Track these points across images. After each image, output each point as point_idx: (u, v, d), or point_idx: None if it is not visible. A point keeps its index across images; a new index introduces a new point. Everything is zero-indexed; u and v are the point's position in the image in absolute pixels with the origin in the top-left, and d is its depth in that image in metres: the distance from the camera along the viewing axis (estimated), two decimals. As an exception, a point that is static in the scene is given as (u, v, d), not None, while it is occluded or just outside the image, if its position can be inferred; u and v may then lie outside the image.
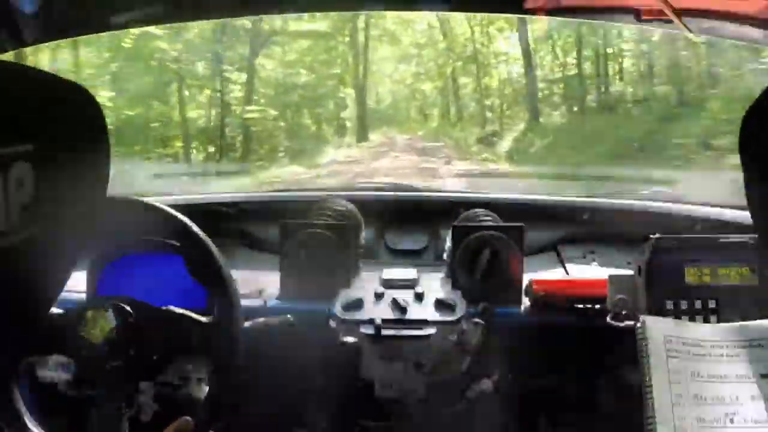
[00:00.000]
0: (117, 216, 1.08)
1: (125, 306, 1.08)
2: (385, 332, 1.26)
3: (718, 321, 1.15)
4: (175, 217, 1.12)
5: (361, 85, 12.02)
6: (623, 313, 1.22)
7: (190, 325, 1.09)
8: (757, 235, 1.12)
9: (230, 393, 1.10)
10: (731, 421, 0.87)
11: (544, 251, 1.66)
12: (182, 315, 1.09)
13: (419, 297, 1.34)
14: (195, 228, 1.12)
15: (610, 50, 9.29)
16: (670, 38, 7.30)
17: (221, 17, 1.69)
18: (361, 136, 11.64)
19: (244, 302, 1.16)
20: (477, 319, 1.29)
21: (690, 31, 1.25)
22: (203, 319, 1.10)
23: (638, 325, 0.98)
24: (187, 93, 8.71)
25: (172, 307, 1.10)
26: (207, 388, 1.22)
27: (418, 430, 1.36)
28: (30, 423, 1.05)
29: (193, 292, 1.25)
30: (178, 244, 1.14)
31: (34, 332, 0.84)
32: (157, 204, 1.14)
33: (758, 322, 0.95)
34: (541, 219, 1.65)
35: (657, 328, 0.97)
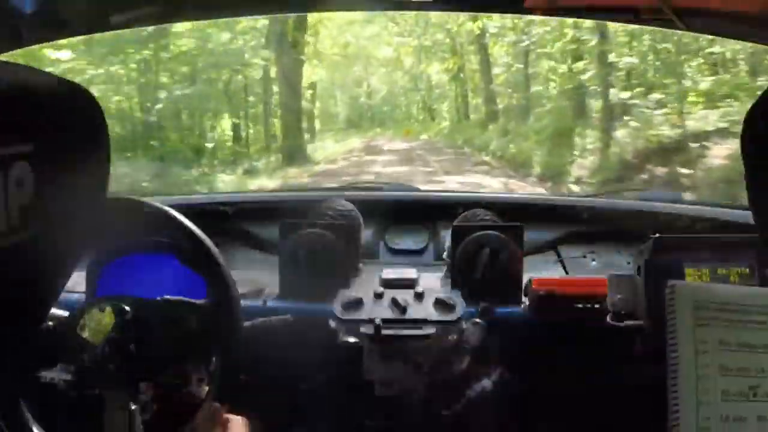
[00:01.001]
0: (117, 216, 1.08)
1: (123, 304, 1.08)
2: (384, 332, 1.26)
3: None
4: (175, 217, 1.12)
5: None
6: (623, 312, 1.22)
7: (187, 310, 1.10)
8: (757, 235, 1.12)
9: (235, 375, 1.11)
10: (754, 394, 0.85)
11: (543, 251, 1.66)
12: (179, 301, 1.10)
13: (419, 297, 1.34)
14: (195, 229, 1.12)
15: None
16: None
17: (221, 17, 1.69)
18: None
19: (244, 302, 1.16)
20: (476, 319, 1.29)
21: (688, 29, 1.25)
22: (200, 301, 1.10)
23: (667, 290, 0.96)
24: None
25: (168, 296, 1.11)
26: (207, 388, 1.22)
27: (418, 430, 1.36)
28: (31, 424, 1.05)
29: (193, 292, 1.25)
30: (177, 245, 1.14)
31: (33, 333, 0.84)
32: (157, 204, 1.14)
33: None
34: (541, 219, 1.65)
35: (686, 294, 0.94)
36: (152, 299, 1.10)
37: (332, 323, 1.30)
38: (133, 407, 1.06)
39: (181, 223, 1.12)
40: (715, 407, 0.84)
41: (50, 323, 1.10)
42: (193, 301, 1.10)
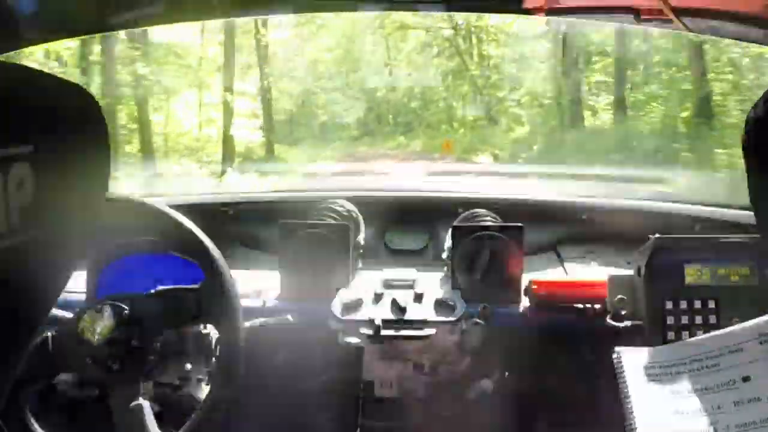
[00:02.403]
0: (117, 216, 1.08)
1: (124, 306, 1.08)
2: (384, 332, 1.26)
3: (718, 321, 1.16)
4: (176, 217, 1.12)
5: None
6: (623, 313, 1.22)
7: (182, 294, 1.10)
8: (757, 235, 1.12)
9: (238, 361, 1.10)
10: (715, 430, 0.88)
11: (543, 251, 1.66)
12: (173, 288, 1.11)
13: (419, 297, 1.34)
14: (195, 228, 1.12)
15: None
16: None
17: (221, 17, 1.69)
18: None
19: (244, 302, 1.16)
20: (476, 319, 1.29)
21: (689, 30, 1.25)
22: (194, 285, 1.11)
23: (614, 356, 1.00)
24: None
25: (162, 287, 1.11)
26: (207, 388, 1.22)
27: (418, 430, 1.36)
28: (32, 424, 1.05)
29: None
30: (176, 245, 1.14)
31: (34, 333, 0.84)
32: (157, 204, 1.14)
33: (734, 327, 0.96)
34: (541, 219, 1.65)
35: (634, 360, 0.98)
36: (148, 292, 1.11)
37: (332, 323, 1.30)
38: (143, 402, 1.06)
39: (180, 223, 1.12)
40: None
41: (51, 323, 1.10)
42: (187, 286, 1.11)
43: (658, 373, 0.95)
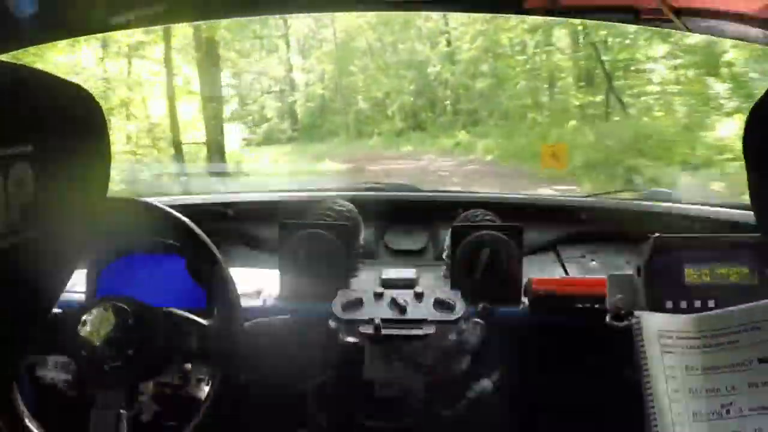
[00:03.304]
0: (117, 216, 1.08)
1: (124, 306, 1.08)
2: (384, 332, 1.26)
3: None
4: (176, 217, 1.12)
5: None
6: (622, 312, 1.22)
7: (189, 328, 1.09)
8: (757, 235, 1.12)
9: (230, 394, 1.10)
10: (727, 412, 0.86)
11: (543, 251, 1.66)
12: (182, 317, 1.09)
13: (418, 297, 1.34)
14: (196, 229, 1.12)
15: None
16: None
17: (221, 17, 1.69)
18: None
19: (244, 302, 1.16)
20: (476, 319, 1.29)
21: (689, 30, 1.25)
22: (203, 321, 1.09)
23: (634, 321, 0.98)
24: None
25: (173, 309, 1.10)
26: (207, 388, 1.22)
27: (418, 430, 1.36)
28: (30, 424, 1.05)
29: (192, 292, 1.25)
30: (178, 245, 1.14)
31: (35, 333, 0.84)
32: (157, 204, 1.14)
33: (755, 303, 0.93)
34: (541, 219, 1.65)
35: (651, 324, 0.96)
36: (156, 308, 1.10)
37: (332, 323, 1.30)
38: (122, 412, 1.05)
39: (183, 224, 1.12)
40: (688, 429, 0.85)
41: (51, 322, 1.10)
42: (196, 319, 1.09)
43: (673, 344, 0.93)
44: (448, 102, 8.41)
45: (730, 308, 0.96)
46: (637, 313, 0.97)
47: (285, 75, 10.66)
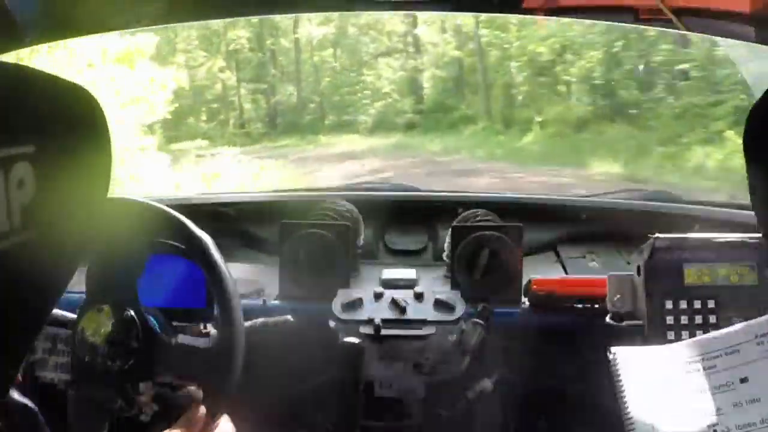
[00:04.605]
0: (117, 216, 1.08)
1: (124, 306, 1.08)
2: (384, 332, 1.26)
3: (718, 321, 1.15)
4: (176, 217, 1.12)
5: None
6: (622, 312, 1.22)
7: (189, 352, 1.08)
8: (758, 235, 1.12)
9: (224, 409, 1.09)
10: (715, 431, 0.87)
11: (543, 251, 1.65)
12: (182, 344, 1.08)
13: (418, 297, 1.34)
14: (196, 228, 1.12)
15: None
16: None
17: (221, 17, 1.69)
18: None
19: (244, 302, 1.15)
20: (476, 319, 1.29)
21: (689, 30, 1.25)
22: (203, 346, 1.08)
23: (610, 356, 0.99)
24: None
25: (179, 338, 1.09)
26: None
27: (418, 430, 1.36)
28: (30, 423, 1.05)
29: (193, 292, 1.25)
30: (177, 245, 1.14)
31: (35, 333, 0.84)
32: (158, 204, 1.14)
33: (729, 328, 0.95)
34: (541, 219, 1.65)
35: (630, 360, 0.98)
36: (158, 333, 1.09)
37: (332, 323, 1.30)
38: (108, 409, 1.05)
39: (182, 224, 1.12)
40: None
41: (51, 322, 1.10)
42: (197, 345, 1.08)
43: (654, 375, 0.95)
44: (465, 89, 10.08)
45: (708, 335, 0.98)
46: (613, 349, 0.98)
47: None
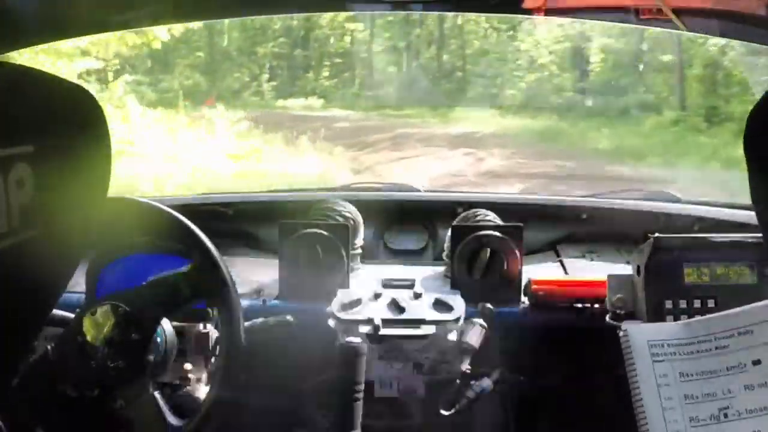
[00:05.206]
0: (117, 216, 1.08)
1: (124, 306, 1.09)
2: (384, 332, 1.26)
3: None
4: (176, 217, 1.12)
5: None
6: (622, 312, 1.22)
7: (174, 278, 1.12)
8: (757, 235, 1.12)
9: (230, 394, 1.10)
10: (725, 415, 0.86)
11: (543, 251, 1.66)
12: (164, 275, 1.12)
13: (418, 297, 1.34)
14: (196, 229, 1.12)
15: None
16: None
17: (221, 17, 1.69)
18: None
19: (244, 302, 1.16)
20: (476, 319, 1.29)
21: (689, 30, 1.25)
22: (185, 268, 1.12)
23: (621, 333, 0.98)
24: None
25: (151, 277, 1.13)
26: (207, 388, 1.22)
27: (418, 430, 1.36)
28: (31, 424, 1.05)
29: None
30: (177, 245, 1.14)
31: (35, 333, 0.84)
32: (158, 204, 1.15)
33: (744, 308, 0.93)
34: (541, 219, 1.65)
35: (640, 335, 0.96)
36: (140, 286, 1.12)
37: (331, 323, 1.30)
38: (153, 392, 1.09)
39: (181, 223, 1.12)
40: None
41: (51, 323, 1.10)
42: (177, 270, 1.12)
43: (664, 353, 0.93)
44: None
45: (721, 313, 0.96)
46: (623, 325, 0.97)
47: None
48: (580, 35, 7.53)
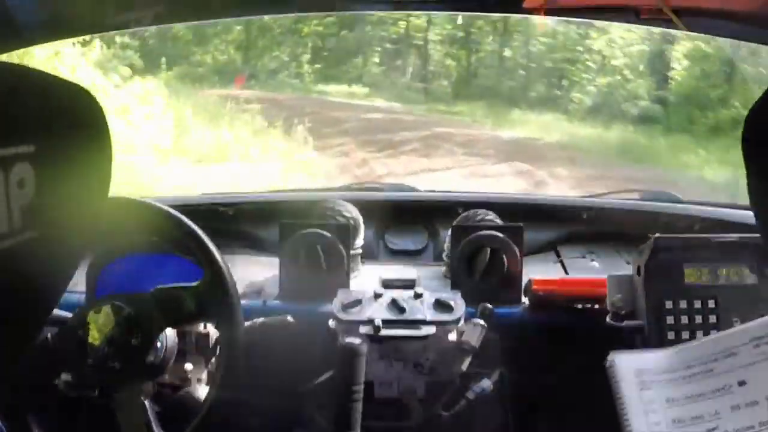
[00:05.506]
0: (117, 216, 1.08)
1: (119, 302, 1.09)
2: (384, 332, 1.26)
3: (717, 321, 1.16)
4: (177, 217, 1.12)
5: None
6: (623, 312, 1.23)
7: (181, 293, 1.11)
8: (757, 235, 1.12)
9: (230, 393, 1.10)
10: None
11: (543, 251, 1.66)
12: (172, 287, 1.12)
13: (418, 297, 1.34)
14: (197, 229, 1.12)
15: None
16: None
17: (221, 17, 1.69)
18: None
19: (244, 302, 1.16)
20: (476, 319, 1.29)
21: (689, 30, 1.25)
22: (193, 283, 1.11)
23: (607, 363, 0.99)
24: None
25: (160, 285, 1.12)
26: (207, 388, 1.22)
27: (418, 430, 1.36)
28: (30, 423, 1.05)
29: None
30: (177, 245, 1.14)
31: (35, 334, 0.84)
32: (158, 204, 1.15)
33: (728, 331, 0.95)
34: (541, 219, 1.65)
35: (626, 365, 0.98)
36: (146, 292, 1.11)
37: (331, 323, 1.30)
38: (144, 401, 1.07)
39: (181, 223, 1.12)
40: None
41: (51, 323, 1.10)
42: (185, 284, 1.12)
43: (651, 380, 0.95)
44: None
45: (707, 337, 0.98)
46: (610, 357, 0.99)
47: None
48: (663, 36, 6.51)
